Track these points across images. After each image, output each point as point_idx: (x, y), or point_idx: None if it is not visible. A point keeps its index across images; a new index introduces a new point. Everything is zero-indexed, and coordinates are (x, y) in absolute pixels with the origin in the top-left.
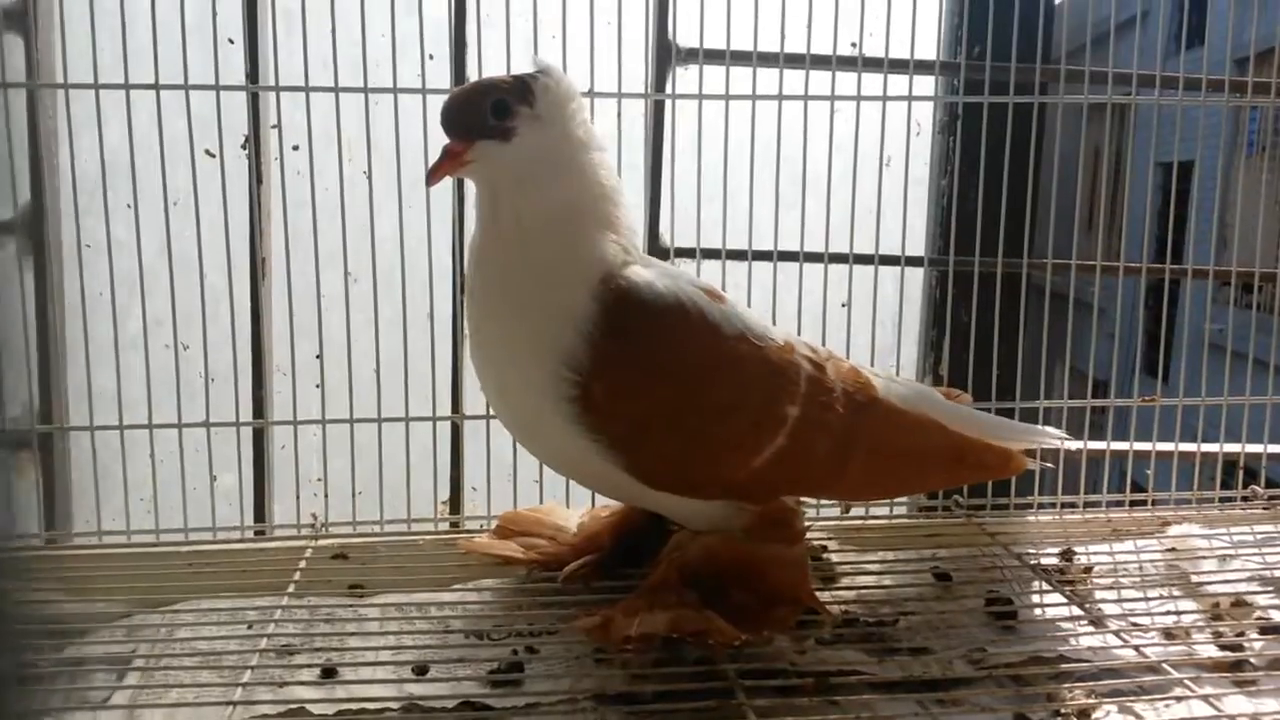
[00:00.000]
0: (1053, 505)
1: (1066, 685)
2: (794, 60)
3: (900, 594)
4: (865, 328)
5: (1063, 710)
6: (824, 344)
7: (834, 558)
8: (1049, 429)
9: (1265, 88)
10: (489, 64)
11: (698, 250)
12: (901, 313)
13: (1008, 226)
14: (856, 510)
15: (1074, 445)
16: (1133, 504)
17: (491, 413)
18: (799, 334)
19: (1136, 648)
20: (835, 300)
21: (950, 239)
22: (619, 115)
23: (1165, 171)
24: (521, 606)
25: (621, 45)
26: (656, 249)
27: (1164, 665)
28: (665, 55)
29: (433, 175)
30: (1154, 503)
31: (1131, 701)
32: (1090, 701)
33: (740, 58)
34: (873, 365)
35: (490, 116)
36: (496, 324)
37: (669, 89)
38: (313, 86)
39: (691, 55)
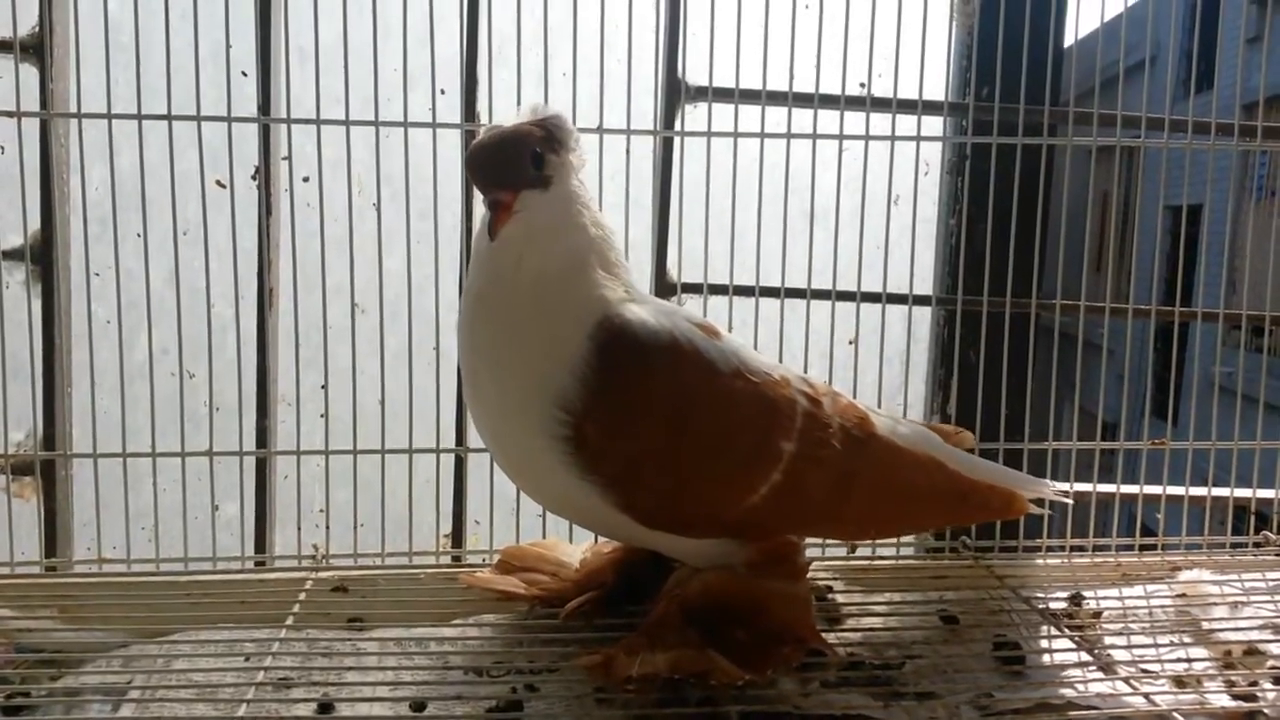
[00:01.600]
0: (1061, 548)
1: None
2: (803, 99)
3: (906, 636)
4: (873, 366)
5: None
6: (831, 382)
7: (839, 598)
8: (1051, 482)
9: (1274, 132)
10: (499, 99)
11: (705, 286)
12: (909, 352)
13: (1016, 267)
14: (863, 551)
15: (1067, 499)
16: (1142, 548)
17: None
18: (805, 371)
19: (1146, 695)
20: (842, 338)
21: (958, 278)
22: (628, 152)
23: (1174, 215)
24: (522, 643)
25: (631, 82)
26: (664, 285)
27: (1175, 714)
28: (675, 93)
29: (495, 231)
30: (1164, 547)
31: None
32: None
33: (749, 96)
34: (880, 404)
35: (530, 166)
36: (493, 368)
37: (678, 126)
38: (324, 119)
39: (701, 93)
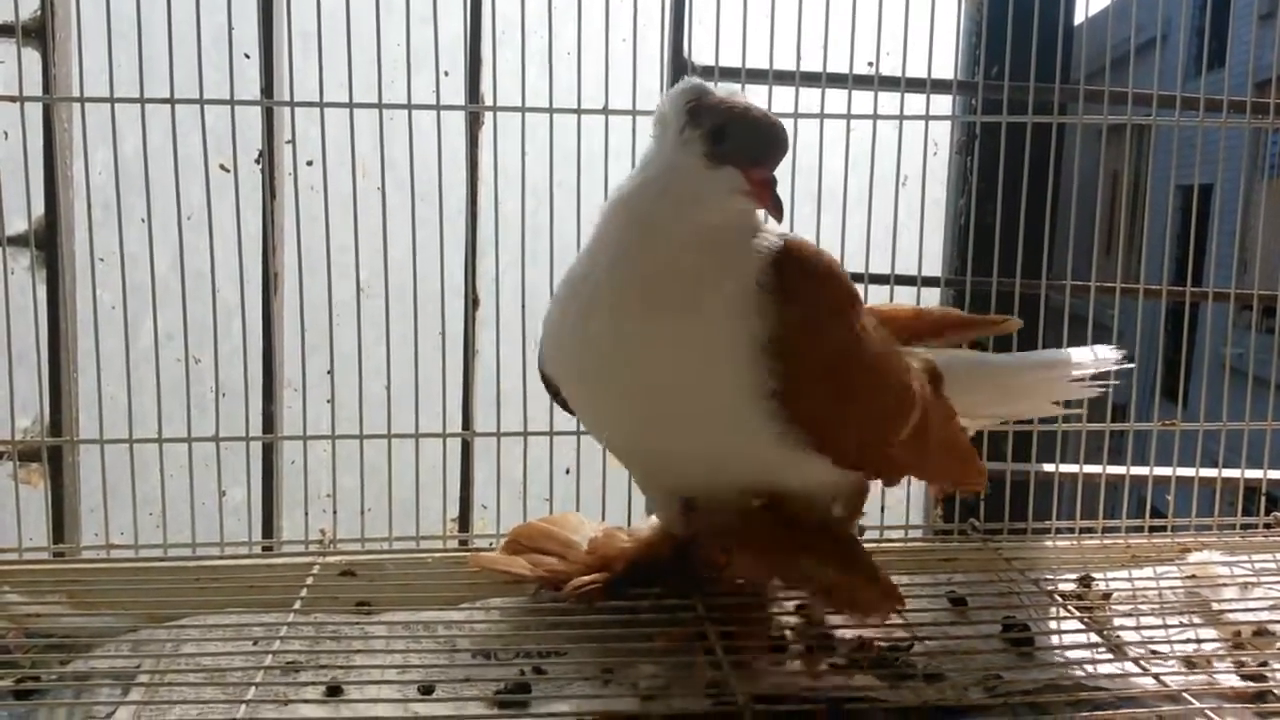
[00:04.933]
0: (1070, 530)
1: (1084, 714)
2: (810, 79)
3: (915, 619)
4: None
5: None
6: None
7: None
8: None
9: None
10: (504, 80)
11: None
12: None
13: (1026, 247)
14: (871, 534)
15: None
16: (1152, 530)
17: (503, 430)
18: None
19: (1156, 676)
20: None
21: (968, 259)
22: (634, 132)
23: (1185, 194)
24: (529, 626)
25: (637, 63)
26: None
27: (1184, 695)
28: (681, 73)
29: (779, 208)
30: (1174, 529)
31: None
32: None
33: (756, 75)
34: None
35: None
36: (676, 338)
37: None
38: (327, 102)
39: (708, 73)
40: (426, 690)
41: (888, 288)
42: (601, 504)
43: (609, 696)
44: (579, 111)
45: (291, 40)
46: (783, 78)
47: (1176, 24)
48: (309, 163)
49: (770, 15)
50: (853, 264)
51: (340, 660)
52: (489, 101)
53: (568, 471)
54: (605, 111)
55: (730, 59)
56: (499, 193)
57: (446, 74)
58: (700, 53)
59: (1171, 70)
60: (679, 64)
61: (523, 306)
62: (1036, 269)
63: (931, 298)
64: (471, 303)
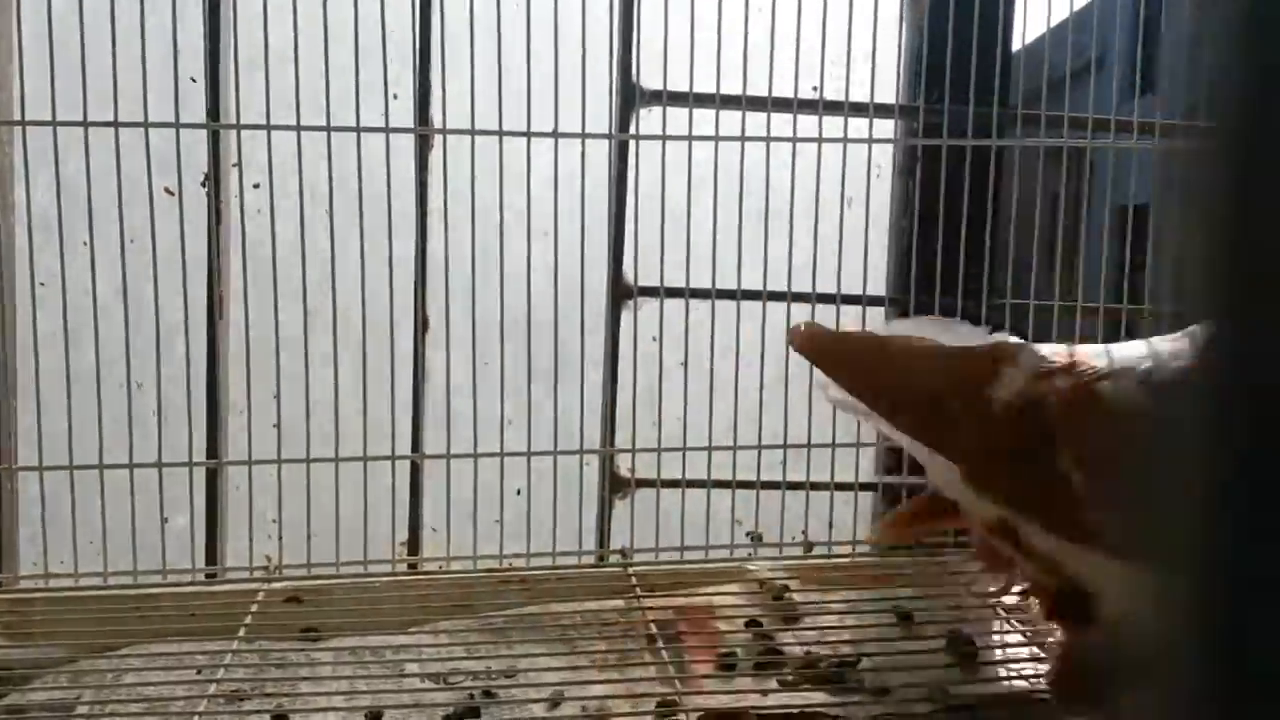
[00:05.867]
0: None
1: None
2: (756, 103)
3: (862, 634)
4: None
5: None
6: (787, 384)
7: (796, 597)
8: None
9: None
10: (453, 103)
11: (661, 290)
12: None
13: (966, 266)
14: (819, 550)
15: None
16: None
17: (452, 451)
18: (762, 372)
19: None
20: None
21: (910, 278)
22: (583, 156)
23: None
24: (481, 649)
25: (586, 87)
26: (620, 288)
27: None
28: (630, 97)
29: None
30: None
31: None
32: None
33: (703, 100)
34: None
35: None
36: None
37: (633, 130)
38: (274, 125)
39: (655, 97)
40: (374, 716)
41: (834, 306)
42: (553, 525)
43: (558, 718)
44: (529, 135)
45: (238, 62)
46: (729, 102)
47: (1113, 48)
48: (256, 185)
49: (717, 40)
50: (801, 283)
51: (286, 688)
52: (439, 124)
53: (519, 492)
54: (555, 135)
55: (678, 83)
56: (449, 215)
57: (395, 97)
58: (648, 77)
59: (1108, 94)
60: (627, 88)
61: (473, 328)
62: (977, 287)
63: (876, 316)
64: (421, 325)
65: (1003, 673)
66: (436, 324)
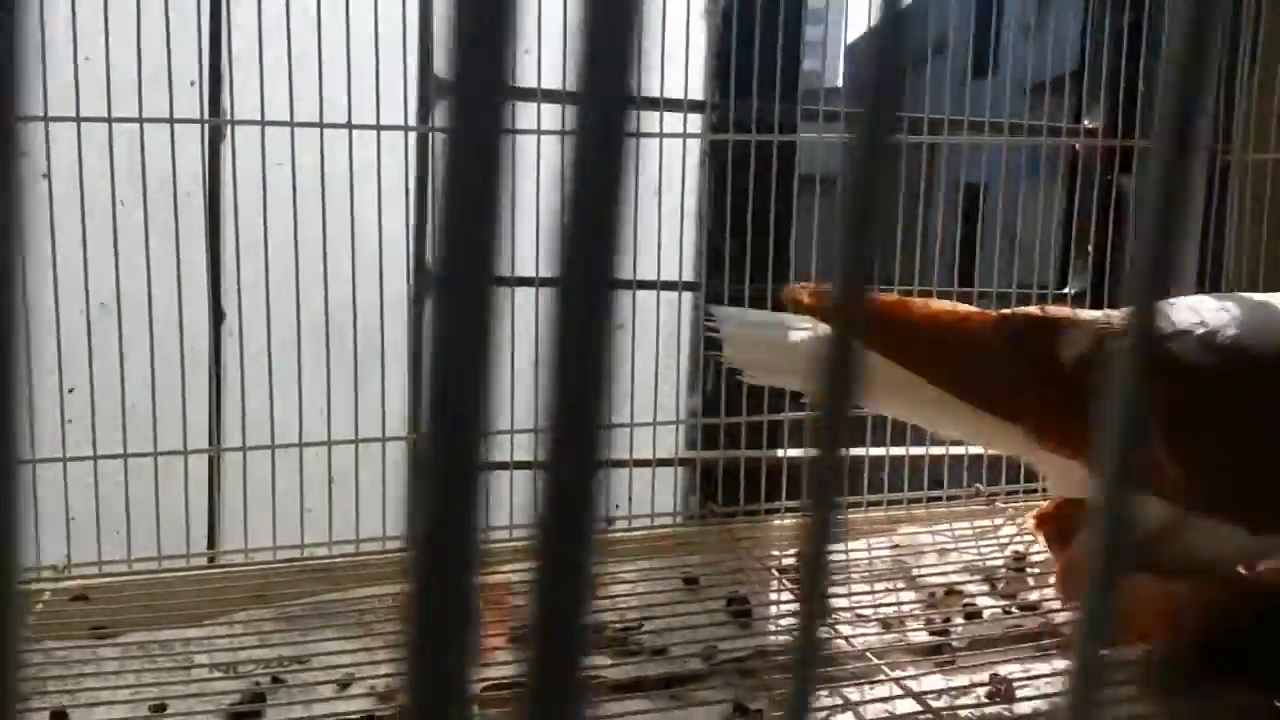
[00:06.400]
0: (795, 511)
1: (784, 674)
2: (557, 96)
3: (650, 600)
4: (647, 349)
5: (777, 697)
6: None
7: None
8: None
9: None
10: (240, 95)
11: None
12: (679, 334)
13: (775, 253)
14: (620, 523)
15: None
16: (870, 505)
17: (250, 444)
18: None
19: (846, 638)
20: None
21: (724, 265)
22: (379, 148)
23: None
24: (275, 637)
25: (380, 78)
26: (424, 277)
27: (867, 653)
28: (429, 89)
29: None
30: (889, 504)
31: (841, 686)
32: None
33: (521, 94)
34: (657, 386)
35: None
36: None
37: (431, 122)
38: (52, 116)
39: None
40: (158, 708)
41: (653, 292)
42: (355, 515)
43: (346, 698)
44: (321, 126)
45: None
46: (551, 96)
47: (949, 37)
48: (44, 175)
49: (538, 34)
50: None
51: (69, 685)
52: (229, 115)
53: (333, 482)
54: (349, 126)
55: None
56: (239, 207)
57: (192, 84)
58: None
59: (942, 81)
60: (426, 79)
61: (267, 321)
62: (784, 272)
63: (691, 301)
64: (216, 317)
65: (772, 628)
66: (232, 316)
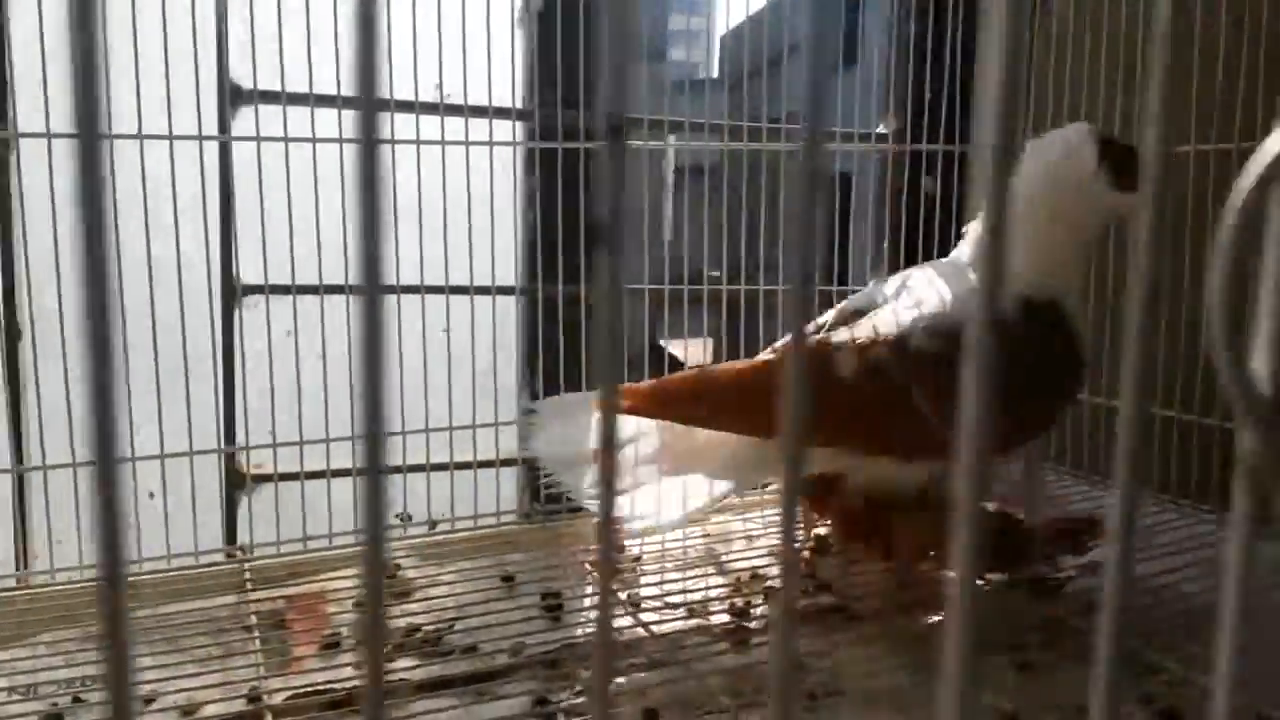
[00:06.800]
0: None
1: (587, 665)
2: (384, 105)
3: (466, 600)
4: (467, 353)
5: (579, 688)
6: (426, 371)
7: (410, 574)
8: None
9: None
10: (23, 103)
11: (266, 287)
12: (495, 337)
13: (587, 256)
14: (443, 526)
15: None
16: None
17: (52, 462)
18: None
19: (645, 625)
20: (436, 327)
21: (537, 269)
22: (172, 158)
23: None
24: (79, 657)
25: (171, 87)
26: (230, 287)
27: (666, 637)
28: (228, 96)
29: None
30: None
31: (640, 672)
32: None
33: (322, 101)
34: (474, 385)
35: None
36: None
37: (236, 130)
38: None
39: (252, 96)
40: None
41: (467, 297)
42: (165, 528)
43: (150, 713)
44: (110, 137)
45: None
46: (349, 102)
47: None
48: None
49: (337, 43)
50: (433, 276)
51: None
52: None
53: (151, 496)
54: (140, 137)
55: (292, 84)
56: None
57: None
58: (266, 77)
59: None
60: (223, 88)
61: (62, 337)
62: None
63: (511, 304)
64: (12, 331)
65: (580, 620)
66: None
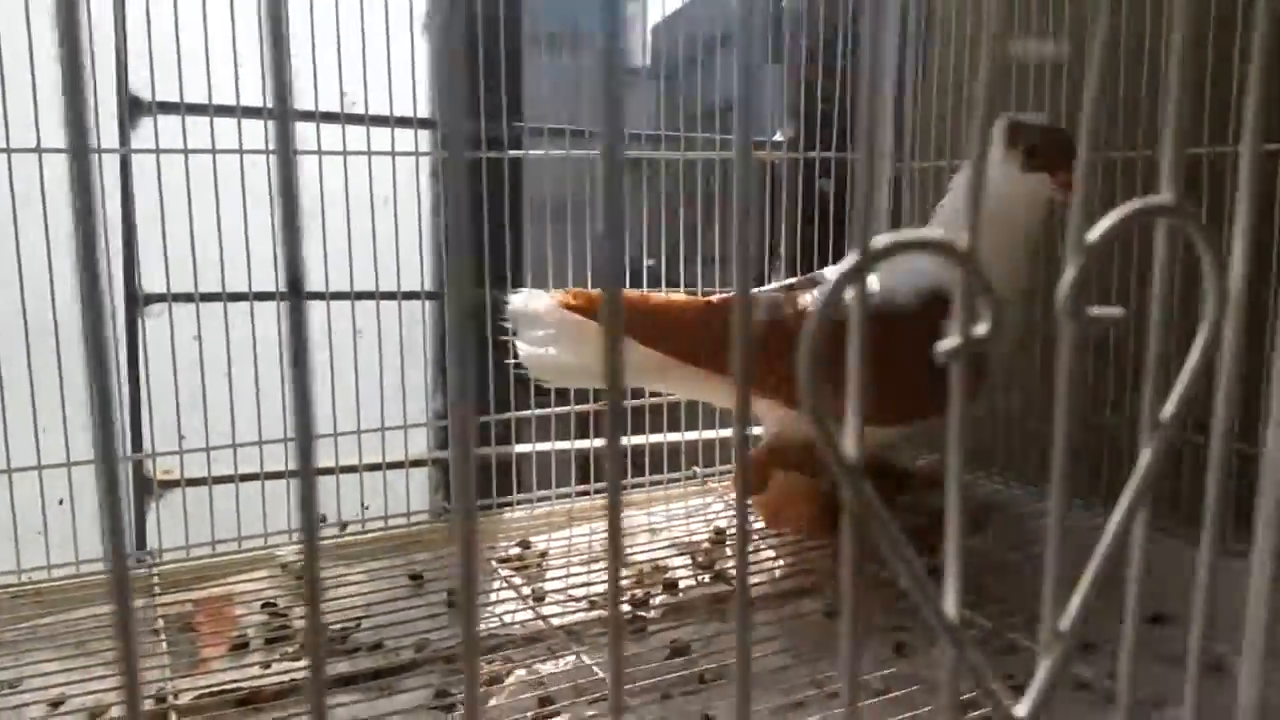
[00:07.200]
0: (528, 502)
1: (487, 658)
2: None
3: (374, 599)
4: (377, 357)
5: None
6: (333, 375)
7: (321, 574)
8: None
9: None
10: None
11: (169, 295)
12: (402, 341)
13: (496, 261)
14: (353, 527)
15: None
16: (598, 492)
17: None
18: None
19: (544, 617)
20: (345, 331)
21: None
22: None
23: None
24: None
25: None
26: (133, 295)
27: (560, 630)
28: (127, 107)
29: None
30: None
31: (537, 663)
32: (503, 668)
33: (201, 110)
34: (382, 389)
35: None
36: None
37: (138, 142)
38: None
39: (151, 108)
40: None
41: (378, 302)
42: (73, 535)
43: (58, 716)
44: (8, 151)
45: None
46: (250, 113)
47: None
48: None
49: (235, 49)
50: (338, 282)
51: None
52: None
53: (61, 502)
54: (39, 150)
55: (191, 94)
56: None
57: None
58: (166, 89)
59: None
60: (123, 99)
61: None
62: (520, 278)
63: (420, 308)
64: None
65: (486, 614)
66: None
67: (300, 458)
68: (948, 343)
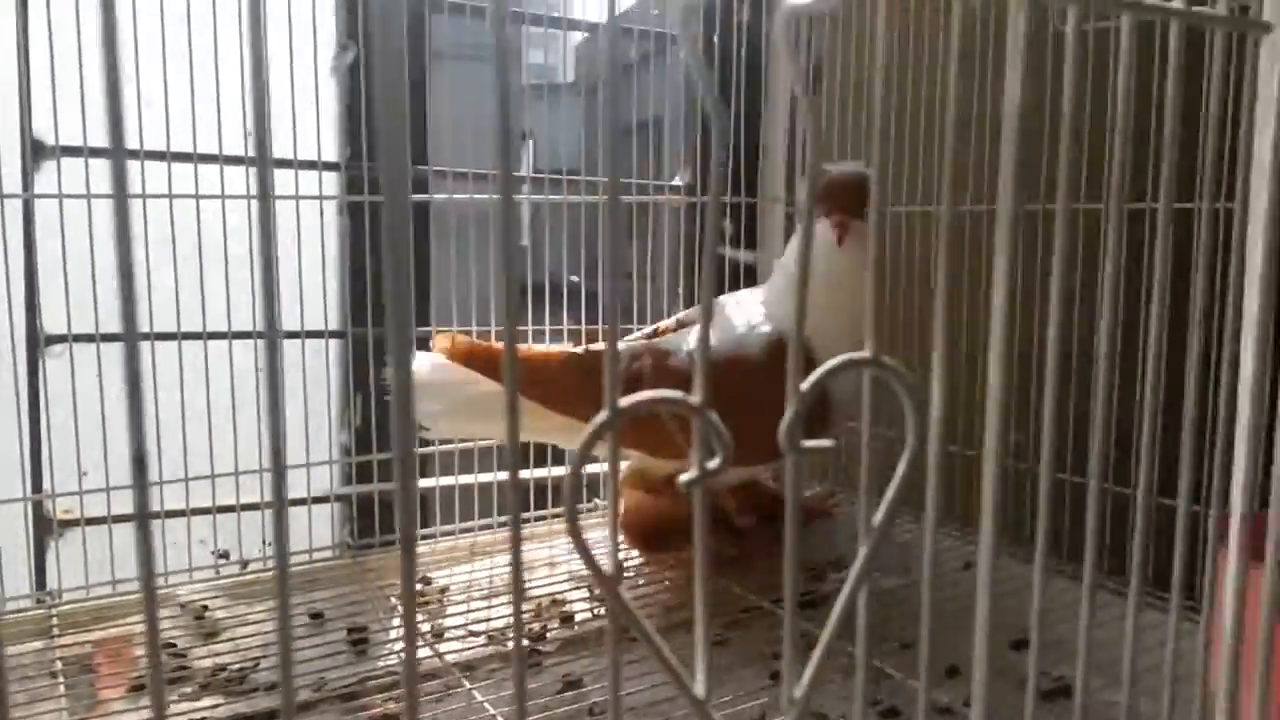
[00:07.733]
0: (430, 537)
1: (381, 696)
2: (183, 157)
3: (273, 638)
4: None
5: (371, 718)
6: (235, 413)
7: (219, 614)
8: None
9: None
10: None
11: (70, 336)
12: (305, 379)
13: (416, 300)
14: (255, 565)
15: None
16: (502, 525)
17: None
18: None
19: (439, 654)
20: (249, 370)
21: (366, 311)
22: None
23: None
24: None
25: None
26: (34, 337)
27: (453, 668)
28: (30, 151)
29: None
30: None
31: (431, 700)
32: (395, 708)
33: (106, 153)
34: (284, 427)
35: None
36: None
37: (39, 186)
38: None
39: (52, 151)
40: None
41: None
42: None
43: None
44: None
45: None
46: (151, 156)
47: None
48: None
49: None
50: (241, 322)
51: None
52: None
53: None
54: None
55: (93, 139)
56: None
57: None
58: (70, 132)
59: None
60: (25, 144)
61: None
62: (425, 317)
63: (332, 346)
64: None
65: (385, 652)
66: None
67: (274, 488)
68: (686, 476)
